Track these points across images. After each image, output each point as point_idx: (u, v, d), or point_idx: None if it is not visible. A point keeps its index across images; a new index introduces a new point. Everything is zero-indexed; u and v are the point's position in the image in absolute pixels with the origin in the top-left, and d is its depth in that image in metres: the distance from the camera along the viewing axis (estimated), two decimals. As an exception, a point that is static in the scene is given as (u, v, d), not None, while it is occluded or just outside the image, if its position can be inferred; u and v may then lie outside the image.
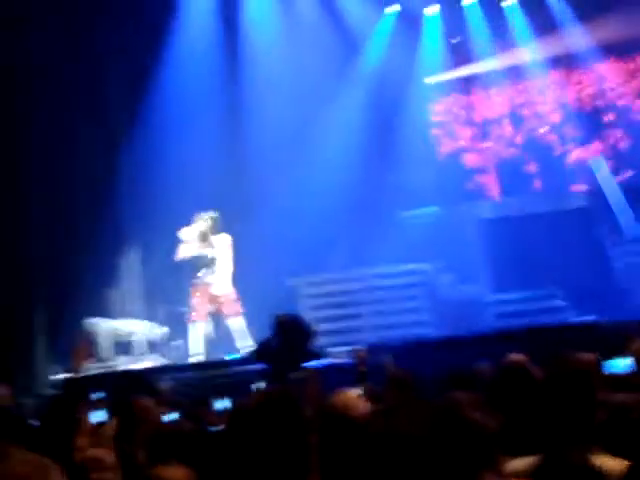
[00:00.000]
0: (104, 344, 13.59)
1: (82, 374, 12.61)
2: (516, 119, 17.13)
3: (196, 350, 13.17)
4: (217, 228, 13.21)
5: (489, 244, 15.53)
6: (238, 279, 13.55)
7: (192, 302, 13.29)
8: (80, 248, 14.05)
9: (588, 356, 4.86)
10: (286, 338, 9.44)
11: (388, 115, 16.69)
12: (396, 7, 17.07)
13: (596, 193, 15.42)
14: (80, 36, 14.51)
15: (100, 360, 13.43)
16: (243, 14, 16.18)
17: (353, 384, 9.30)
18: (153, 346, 14.08)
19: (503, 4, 16.94)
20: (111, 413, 6.72)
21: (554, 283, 14.23)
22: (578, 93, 16.86)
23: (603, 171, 15.72)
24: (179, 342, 14.05)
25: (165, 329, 14.19)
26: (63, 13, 14.29)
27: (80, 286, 13.81)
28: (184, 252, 13.07)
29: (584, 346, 9.46)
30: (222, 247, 13.11)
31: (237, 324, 13.15)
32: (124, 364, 13.40)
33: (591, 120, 16.42)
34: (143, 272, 15.06)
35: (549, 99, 16.95)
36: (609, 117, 16.45)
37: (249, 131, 15.71)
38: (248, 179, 15.62)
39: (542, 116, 16.96)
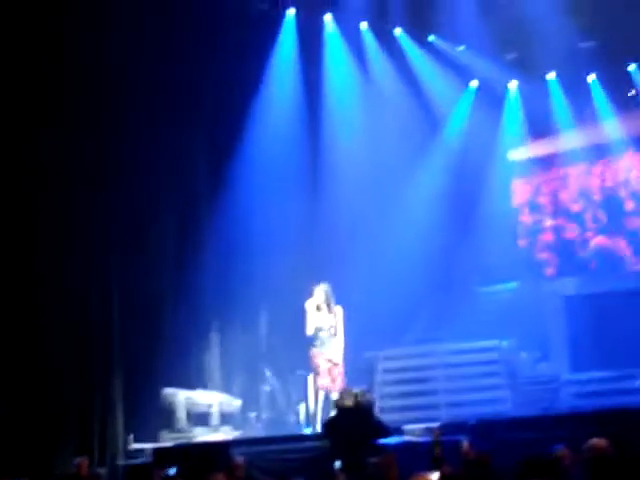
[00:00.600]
0: (181, 414, 13.65)
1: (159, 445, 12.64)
2: (607, 198, 17.03)
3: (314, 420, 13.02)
4: (332, 298, 13.27)
5: (569, 321, 15.32)
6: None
7: (319, 370, 13.04)
8: (161, 317, 14.18)
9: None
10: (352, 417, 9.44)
11: (469, 190, 16.71)
12: (475, 82, 17.13)
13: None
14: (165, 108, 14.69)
15: (177, 431, 13.47)
16: (325, 87, 16.31)
17: (429, 465, 9.28)
18: (228, 418, 14.11)
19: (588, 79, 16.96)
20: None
21: (636, 363, 13.96)
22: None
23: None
24: (253, 415, 14.06)
25: (239, 401, 14.20)
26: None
27: (159, 355, 13.91)
28: (312, 322, 13.00)
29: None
30: (339, 317, 13.17)
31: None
32: (200, 435, 13.43)
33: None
34: (221, 345, 15.11)
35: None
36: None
37: (328, 206, 15.76)
38: (328, 251, 15.63)
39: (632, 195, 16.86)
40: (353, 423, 9.43)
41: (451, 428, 11.04)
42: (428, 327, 15.89)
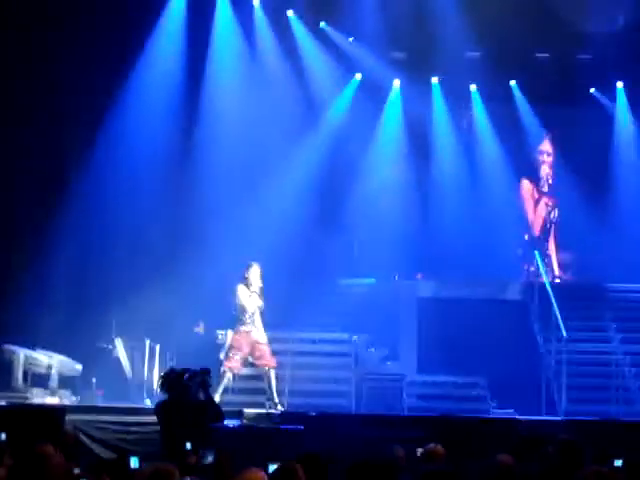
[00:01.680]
0: (18, 373, 13.25)
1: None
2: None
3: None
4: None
5: (421, 323, 15.49)
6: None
7: (232, 349, 12.89)
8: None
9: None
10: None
11: (342, 182, 16.67)
12: (359, 75, 17.13)
13: (536, 287, 15.46)
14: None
15: (12, 390, 13.08)
16: (209, 60, 16.09)
17: (266, 451, 9.21)
18: (68, 382, 13.76)
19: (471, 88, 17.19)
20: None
21: (480, 371, 14.20)
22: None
23: (542, 266, 15.85)
24: (94, 380, 13.76)
25: (80, 365, 13.85)
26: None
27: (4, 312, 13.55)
28: (248, 299, 12.79)
29: (499, 441, 9.48)
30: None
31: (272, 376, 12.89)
32: (37, 397, 13.06)
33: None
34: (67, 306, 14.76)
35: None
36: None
37: (198, 183, 15.55)
38: (190, 229, 15.42)
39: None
40: (183, 405, 9.24)
41: (292, 417, 11.05)
42: (283, 313, 15.82)
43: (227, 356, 12.81)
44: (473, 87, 17.39)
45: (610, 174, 17.16)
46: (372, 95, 17.00)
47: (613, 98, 17.42)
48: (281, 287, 15.36)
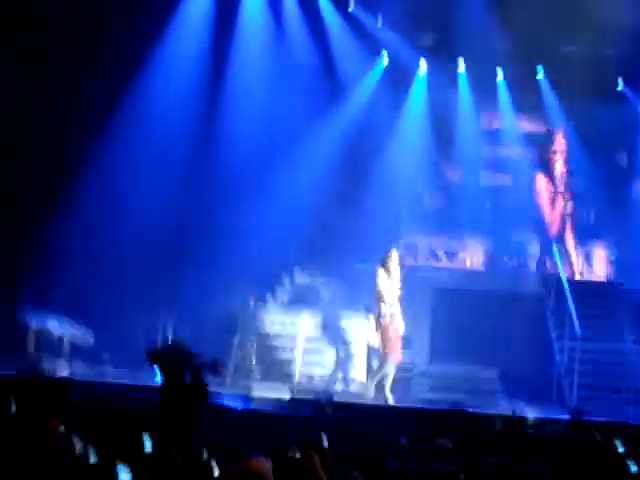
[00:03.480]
0: (31, 340, 13.31)
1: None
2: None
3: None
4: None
5: (437, 313, 15.45)
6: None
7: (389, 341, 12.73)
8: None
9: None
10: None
11: (364, 163, 16.57)
12: (385, 58, 17.03)
13: (554, 282, 15.37)
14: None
15: (24, 358, 13.11)
16: (236, 39, 16.02)
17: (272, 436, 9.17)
18: (81, 353, 13.77)
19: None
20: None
21: (493, 364, 14.18)
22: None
23: (559, 261, 15.77)
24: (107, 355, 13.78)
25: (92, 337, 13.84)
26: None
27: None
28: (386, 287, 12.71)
29: (506, 438, 9.44)
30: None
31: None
32: (48, 366, 13.05)
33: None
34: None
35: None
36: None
37: (221, 158, 15.52)
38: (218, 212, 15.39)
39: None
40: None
41: (301, 404, 11.04)
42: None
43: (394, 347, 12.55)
44: (500, 76, 17.24)
45: (632, 170, 17.04)
46: (398, 79, 16.88)
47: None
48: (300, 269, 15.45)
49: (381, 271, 12.43)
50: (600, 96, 16.69)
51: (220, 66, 15.79)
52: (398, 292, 12.50)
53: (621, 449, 7.94)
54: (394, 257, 12.54)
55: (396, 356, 12.45)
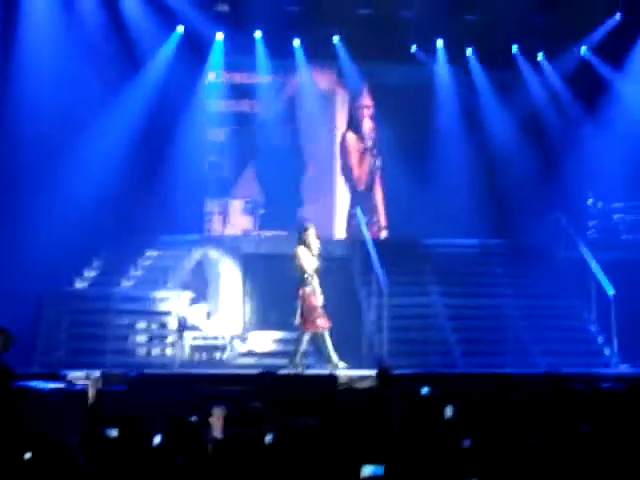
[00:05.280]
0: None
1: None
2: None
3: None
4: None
5: (247, 280, 15.53)
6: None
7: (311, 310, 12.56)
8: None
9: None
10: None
11: (163, 136, 16.37)
12: (180, 28, 16.83)
13: (357, 243, 15.66)
14: None
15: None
16: (23, 14, 15.47)
17: (81, 413, 9.04)
18: None
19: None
20: None
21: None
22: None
23: (363, 223, 16.06)
24: None
25: None
26: None
27: None
28: (309, 261, 12.65)
29: (319, 398, 9.58)
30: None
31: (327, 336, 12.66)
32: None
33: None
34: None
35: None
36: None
37: (11, 133, 14.97)
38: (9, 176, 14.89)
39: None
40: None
41: (112, 379, 10.86)
42: (107, 270, 15.58)
43: (310, 318, 12.52)
44: (297, 42, 17.36)
45: (431, 131, 17.51)
46: (195, 48, 16.75)
47: (433, 56, 17.79)
48: (107, 242, 15.17)
49: (301, 248, 12.58)
50: (395, 58, 17.08)
51: (7, 39, 15.17)
52: (317, 265, 12.65)
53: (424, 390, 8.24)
54: (312, 231, 12.67)
55: (315, 326, 12.55)
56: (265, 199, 17.47)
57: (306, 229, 12.87)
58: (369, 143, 17.95)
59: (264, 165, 17.53)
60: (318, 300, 12.61)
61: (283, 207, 17.16)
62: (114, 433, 6.42)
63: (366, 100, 17.89)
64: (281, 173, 17.30)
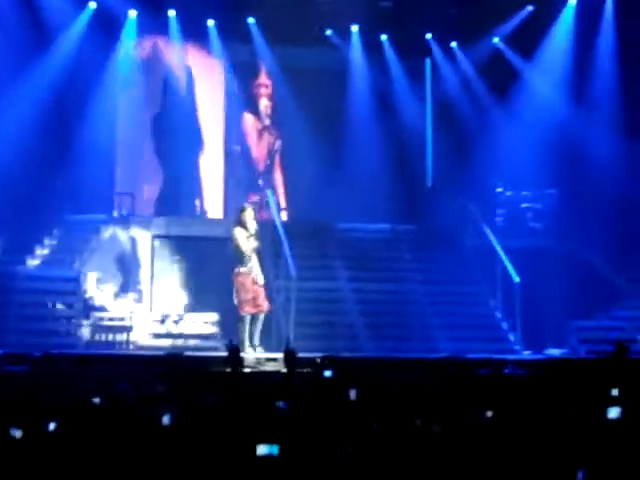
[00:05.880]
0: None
1: None
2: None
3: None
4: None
5: (156, 260, 15.42)
6: None
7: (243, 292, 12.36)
8: None
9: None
10: None
11: (72, 114, 16.09)
12: (92, 4, 16.57)
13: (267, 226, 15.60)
14: None
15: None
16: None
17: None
18: None
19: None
20: None
21: (213, 309, 14.34)
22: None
23: (273, 205, 16.06)
24: None
25: None
26: None
27: None
28: (246, 242, 12.44)
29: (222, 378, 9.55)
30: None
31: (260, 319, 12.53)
32: None
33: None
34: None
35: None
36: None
37: None
38: None
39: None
40: None
41: (14, 359, 10.67)
42: (11, 248, 15.30)
43: (244, 301, 12.36)
44: (211, 22, 17.25)
45: (344, 115, 17.55)
46: (107, 25, 16.49)
47: (348, 41, 17.82)
48: (11, 220, 14.89)
49: (238, 229, 12.44)
50: (310, 42, 17.08)
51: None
52: (255, 245, 12.51)
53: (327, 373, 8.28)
54: (249, 212, 12.53)
55: (253, 306, 12.43)
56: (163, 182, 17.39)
57: (243, 210, 12.79)
58: (267, 121, 17.93)
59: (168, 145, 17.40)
60: (258, 280, 12.56)
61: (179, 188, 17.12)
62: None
63: (263, 79, 17.88)
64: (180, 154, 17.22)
